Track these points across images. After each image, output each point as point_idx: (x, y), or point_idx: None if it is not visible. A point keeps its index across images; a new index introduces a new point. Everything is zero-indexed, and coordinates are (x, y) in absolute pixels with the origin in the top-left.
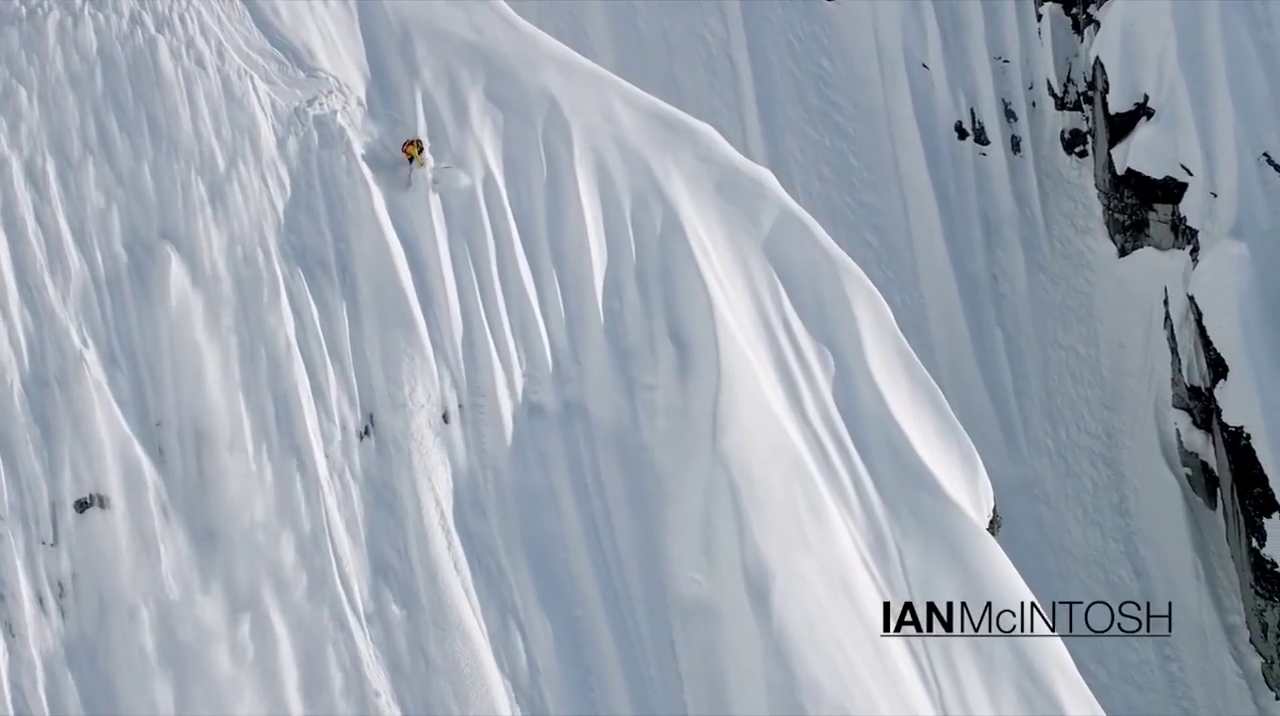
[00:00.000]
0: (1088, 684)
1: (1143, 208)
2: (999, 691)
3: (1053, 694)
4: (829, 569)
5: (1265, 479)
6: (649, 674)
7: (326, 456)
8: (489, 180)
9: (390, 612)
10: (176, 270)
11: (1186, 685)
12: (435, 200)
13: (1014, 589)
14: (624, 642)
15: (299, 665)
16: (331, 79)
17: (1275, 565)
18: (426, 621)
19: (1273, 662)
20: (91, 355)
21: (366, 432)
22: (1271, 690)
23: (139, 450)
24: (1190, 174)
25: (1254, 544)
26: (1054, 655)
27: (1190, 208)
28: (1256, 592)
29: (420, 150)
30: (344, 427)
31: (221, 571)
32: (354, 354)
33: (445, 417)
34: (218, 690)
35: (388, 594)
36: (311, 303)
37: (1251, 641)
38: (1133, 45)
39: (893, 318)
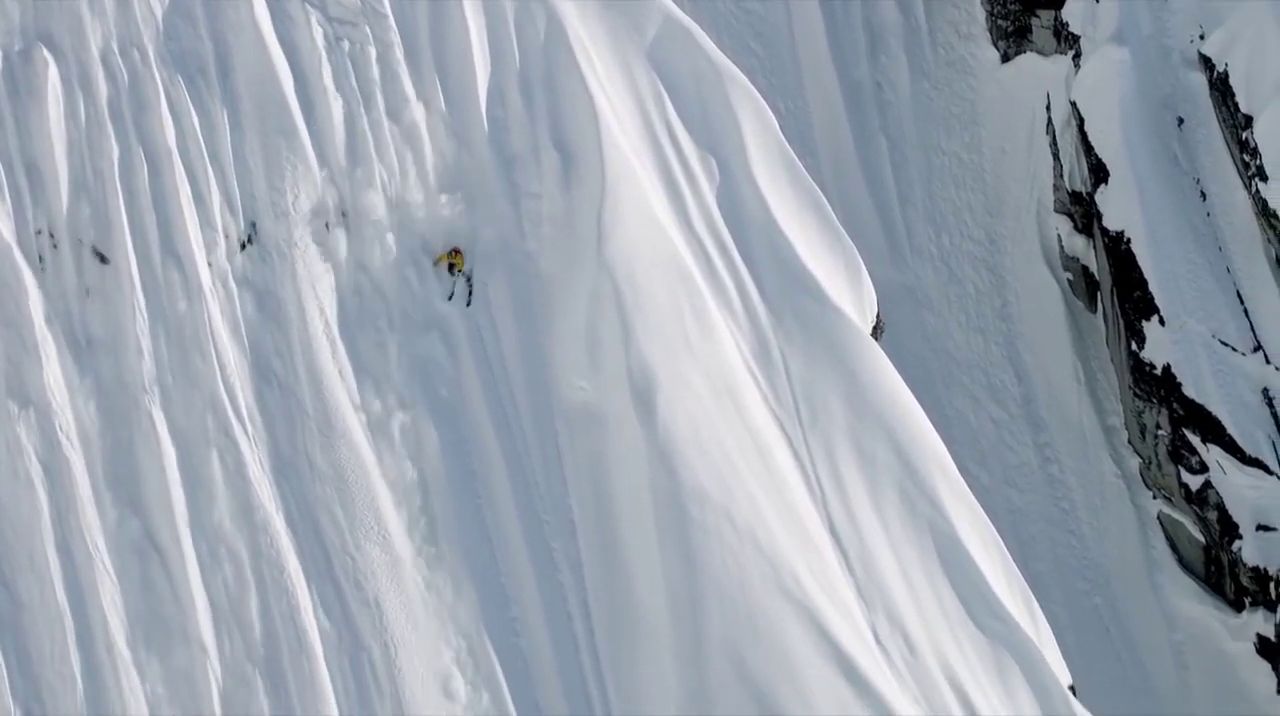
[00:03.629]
0: (969, 486)
1: (1025, 13)
2: (881, 494)
3: (934, 496)
4: (713, 374)
5: (1144, 283)
6: (535, 480)
7: (209, 264)
8: None
9: (274, 419)
10: (53, 76)
11: (1066, 486)
12: (316, 7)
13: (898, 393)
14: (510, 449)
15: (182, 469)
16: None
17: (1153, 367)
18: (311, 428)
19: (1150, 463)
20: None
21: (249, 241)
22: (1149, 489)
23: (18, 258)
24: None
25: (1133, 347)
26: (936, 457)
27: (1072, 13)
28: (1135, 395)
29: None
30: (226, 235)
31: (103, 378)
32: (235, 161)
33: (328, 226)
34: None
35: (272, 401)
36: (191, 109)
37: (1130, 442)
38: None
39: (777, 125)
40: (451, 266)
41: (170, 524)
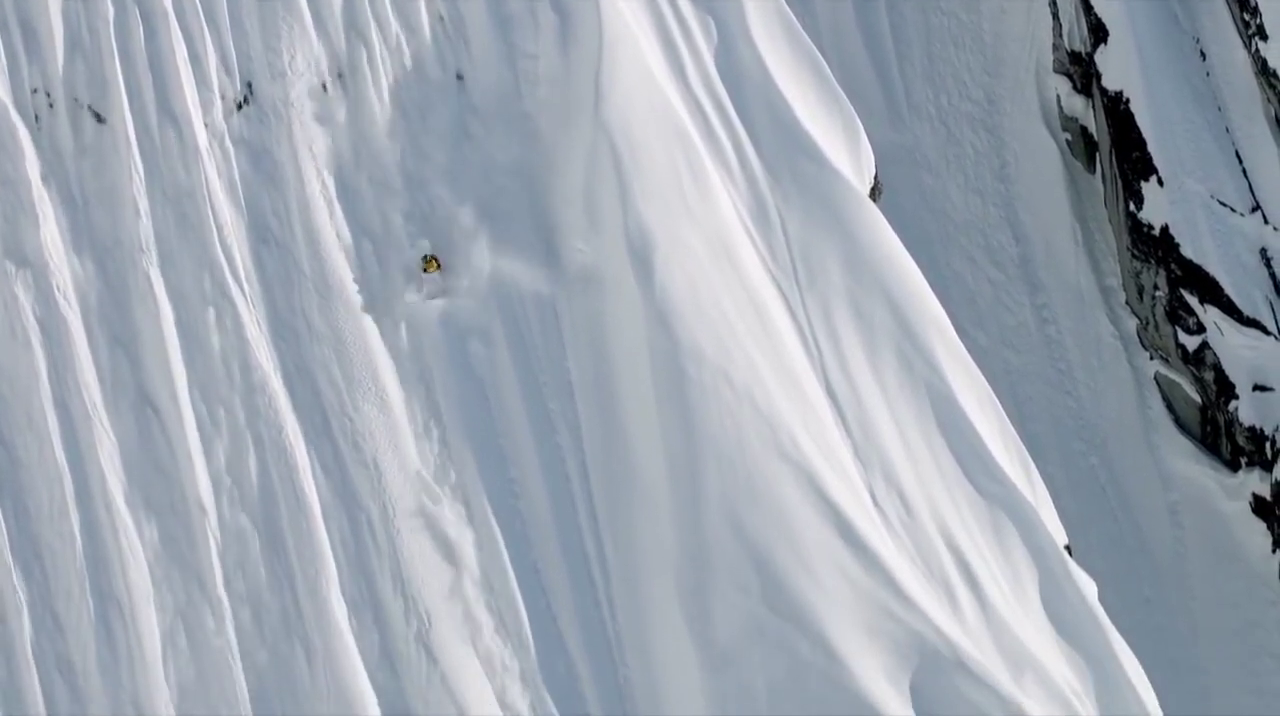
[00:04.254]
0: (966, 347)
1: None
2: (879, 355)
3: (931, 357)
4: (711, 235)
5: (1143, 143)
6: (533, 342)
7: (205, 124)
8: None
9: (271, 280)
10: None
11: (1063, 347)
12: None
13: (895, 254)
14: (508, 311)
15: (179, 329)
16: None
17: (1151, 228)
18: (309, 289)
19: (1147, 324)
20: None
21: (245, 101)
22: (1146, 350)
23: (14, 116)
24: None
25: (1131, 207)
26: (933, 319)
27: None
28: (1133, 255)
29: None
30: (222, 96)
31: (99, 238)
32: (231, 21)
33: (325, 87)
34: (96, 351)
35: (269, 261)
36: None
37: (1127, 303)
38: None
39: None
40: (425, 270)
41: (168, 383)
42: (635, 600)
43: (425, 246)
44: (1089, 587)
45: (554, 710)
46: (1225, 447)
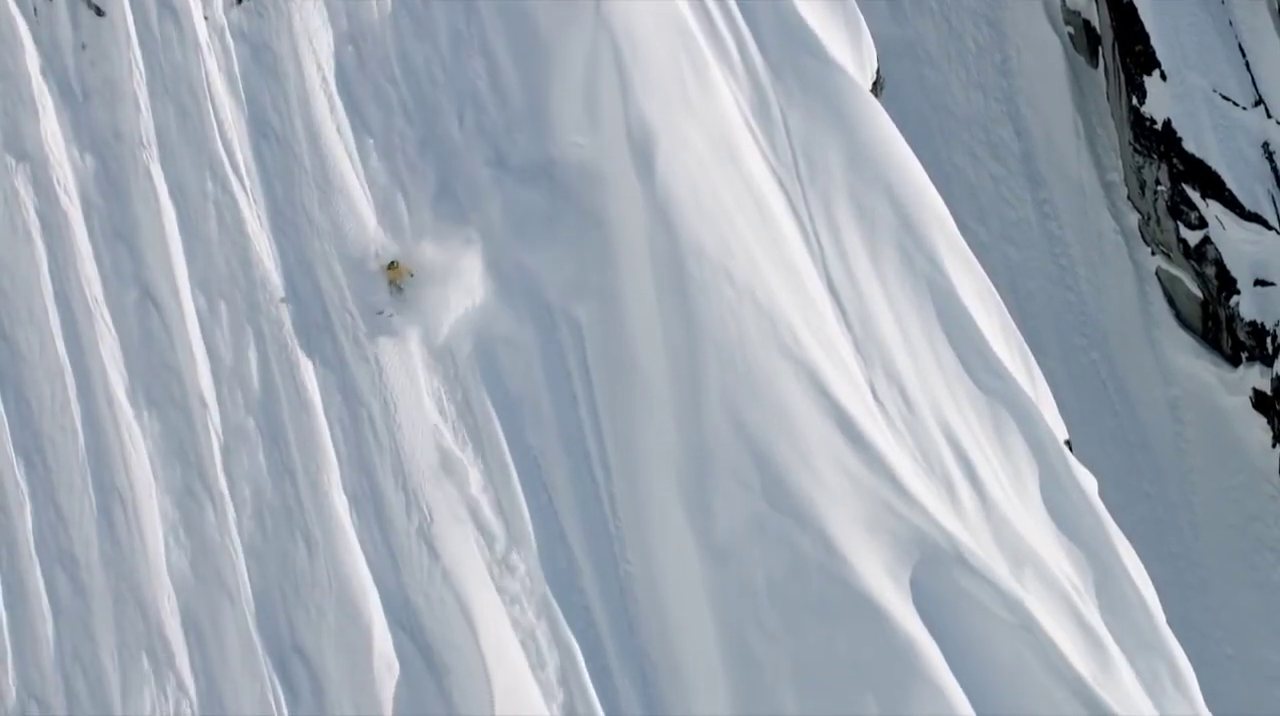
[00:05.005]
0: (968, 242)
1: None
2: (880, 250)
3: (933, 252)
4: (712, 131)
5: (1146, 36)
6: (533, 236)
7: (205, 18)
8: None
9: (272, 174)
10: None
11: (1065, 242)
12: None
13: (897, 150)
14: (507, 207)
15: (180, 224)
16: None
17: (1154, 122)
18: (310, 183)
19: (1149, 219)
20: None
21: None
22: (1148, 245)
23: (13, 9)
24: None
25: (1134, 101)
26: (934, 214)
27: None
28: (1135, 150)
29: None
30: None
31: (99, 133)
32: None
33: None
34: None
35: (269, 155)
36: None
37: (1129, 198)
38: None
39: None
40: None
41: (169, 278)
42: (636, 496)
43: (394, 251)
44: (1089, 482)
45: (555, 605)
46: (1226, 342)
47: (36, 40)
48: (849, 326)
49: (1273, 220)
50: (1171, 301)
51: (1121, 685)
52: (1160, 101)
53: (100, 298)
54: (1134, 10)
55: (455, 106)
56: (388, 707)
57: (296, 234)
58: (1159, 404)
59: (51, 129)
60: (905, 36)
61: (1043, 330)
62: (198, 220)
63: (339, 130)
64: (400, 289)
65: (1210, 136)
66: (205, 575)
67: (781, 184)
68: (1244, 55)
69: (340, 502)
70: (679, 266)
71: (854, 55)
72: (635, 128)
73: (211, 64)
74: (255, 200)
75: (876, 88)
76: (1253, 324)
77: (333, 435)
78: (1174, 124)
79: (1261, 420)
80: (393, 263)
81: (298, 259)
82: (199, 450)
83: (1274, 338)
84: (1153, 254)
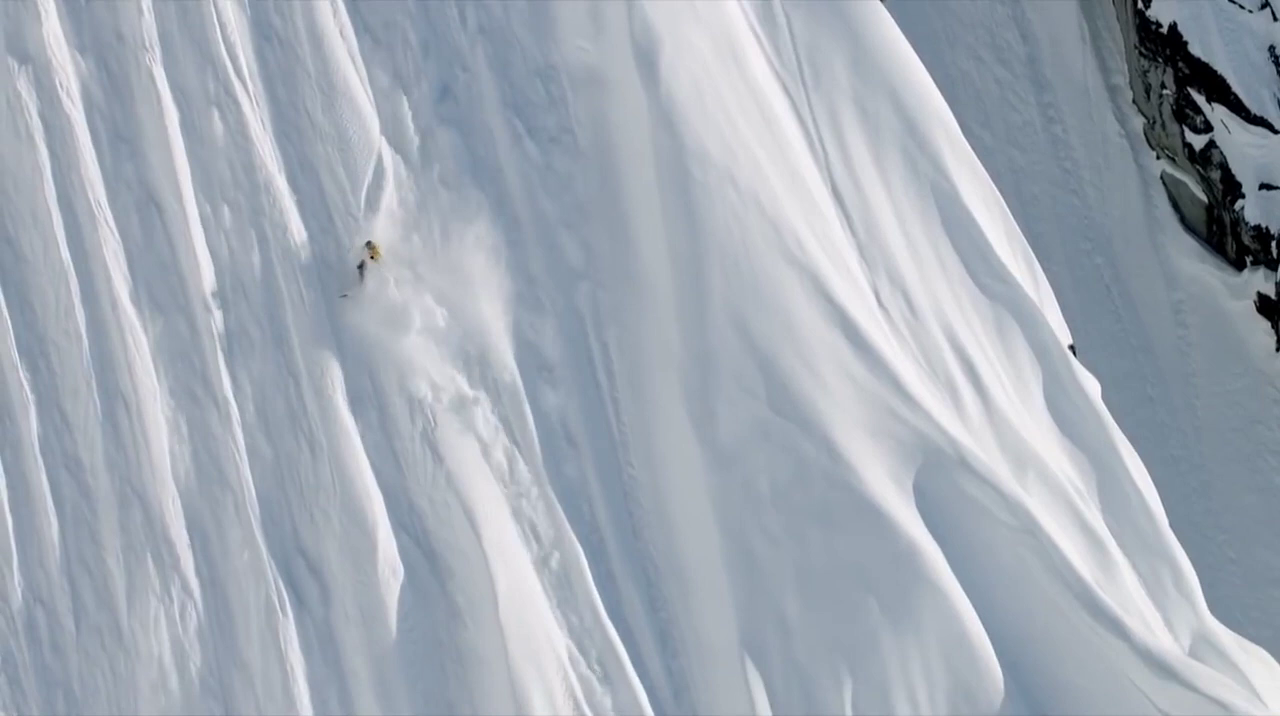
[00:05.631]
0: (972, 146)
1: None
2: (884, 155)
3: (937, 156)
4: (717, 35)
5: None
6: (538, 141)
7: None
8: None
9: (275, 77)
10: None
11: (1069, 145)
12: None
13: (902, 53)
14: (508, 106)
15: (183, 128)
16: None
17: (1159, 25)
18: (313, 86)
19: (1155, 123)
20: None
21: None
22: (1153, 149)
23: None
24: None
25: (1139, 4)
26: (939, 118)
27: None
28: (1141, 54)
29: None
30: None
31: (102, 35)
32: None
33: None
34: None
35: (272, 59)
36: None
37: (1134, 102)
38: None
39: None
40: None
41: (172, 182)
42: (640, 402)
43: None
44: (1092, 386)
45: (559, 509)
46: (1230, 246)
47: None
48: (853, 231)
49: (1278, 123)
50: (1176, 205)
51: (1123, 587)
52: (1166, 4)
53: (103, 201)
54: None
55: (458, 9)
56: (392, 611)
57: (299, 137)
58: (1163, 308)
59: (54, 31)
60: None
61: (1047, 234)
62: (200, 123)
63: (341, 33)
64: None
65: (1216, 39)
66: (209, 479)
67: (785, 88)
68: None
69: (344, 406)
70: (683, 171)
71: None
72: (639, 32)
73: None
74: (258, 103)
75: None
76: (1257, 228)
77: (337, 339)
78: (1180, 27)
79: (1265, 324)
80: (368, 243)
81: (300, 162)
82: (203, 354)
83: (1278, 242)
84: (1158, 158)
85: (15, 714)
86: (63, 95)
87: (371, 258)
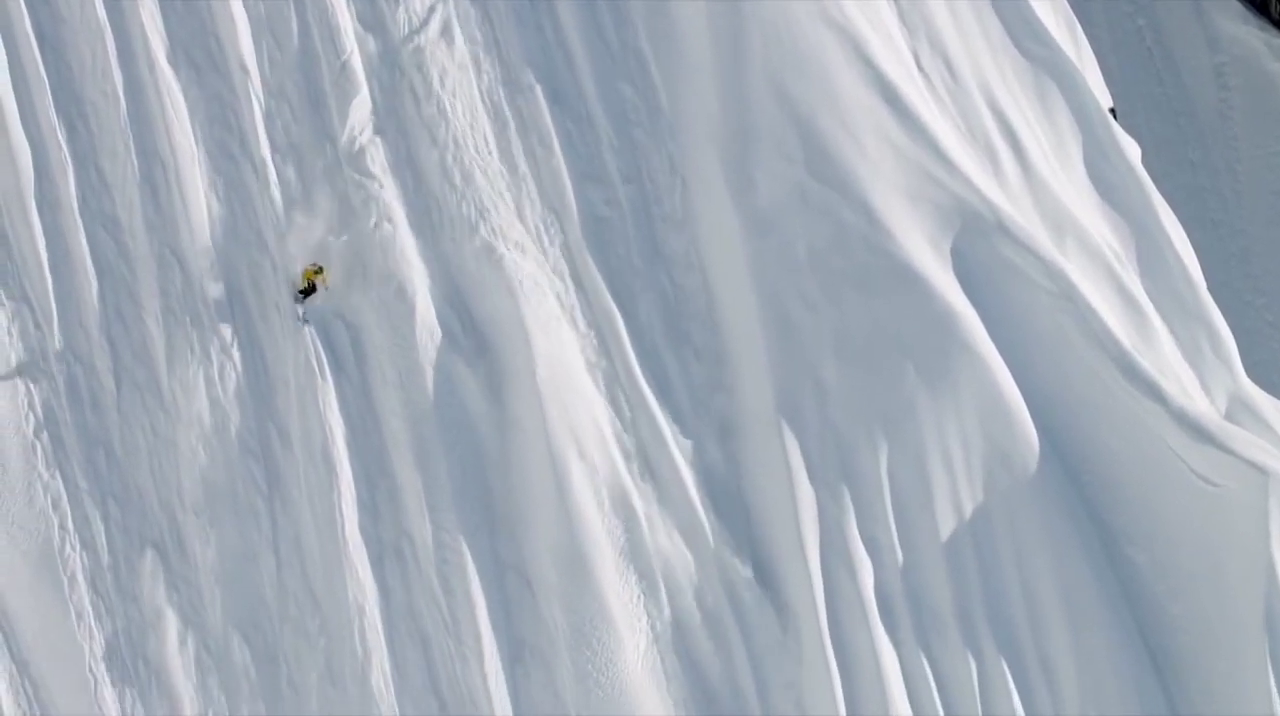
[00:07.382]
0: None
1: None
2: None
3: None
4: None
5: None
6: None
7: None
8: None
9: None
10: None
11: None
12: None
13: None
14: None
15: None
16: None
17: None
18: None
19: None
20: None
21: None
22: None
23: None
24: None
25: None
26: None
27: None
28: None
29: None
30: None
31: None
32: None
33: None
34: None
35: None
36: None
37: None
38: None
39: None
40: (312, 286)
41: None
42: (678, 171)
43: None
44: (1132, 150)
45: (598, 277)
46: (1275, 8)
47: None
48: None
49: None
50: None
51: (1161, 352)
52: None
53: None
54: None
55: None
56: (429, 372)
57: None
58: (1204, 70)
59: None
60: None
61: None
62: None
63: None
64: (310, 293)
65: None
66: (247, 240)
67: None
68: None
69: (382, 166)
70: None
71: None
72: None
73: None
74: None
75: None
76: None
77: (372, 98)
78: None
79: None
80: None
81: None
82: (239, 114)
83: None
84: None
85: (58, 471)
86: None
87: (325, 285)
